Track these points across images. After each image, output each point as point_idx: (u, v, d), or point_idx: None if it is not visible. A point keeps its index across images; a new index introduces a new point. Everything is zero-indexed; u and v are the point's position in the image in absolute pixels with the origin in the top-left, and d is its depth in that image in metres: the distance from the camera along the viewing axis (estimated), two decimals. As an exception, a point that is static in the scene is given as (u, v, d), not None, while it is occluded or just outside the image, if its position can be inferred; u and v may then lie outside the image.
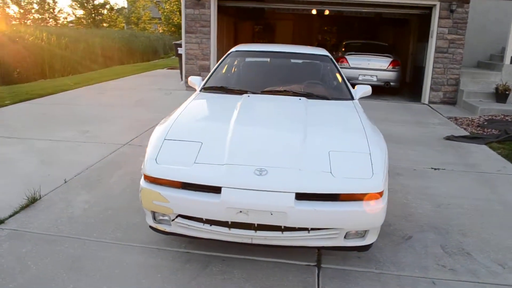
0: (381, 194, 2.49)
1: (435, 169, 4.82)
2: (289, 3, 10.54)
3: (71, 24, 39.31)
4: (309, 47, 5.02)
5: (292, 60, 4.39)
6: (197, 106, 3.53)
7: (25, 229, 3.08)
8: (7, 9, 38.74)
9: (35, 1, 40.73)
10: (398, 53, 10.82)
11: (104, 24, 37.73)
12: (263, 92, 3.77)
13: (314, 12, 12.29)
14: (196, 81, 4.11)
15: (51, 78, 13.18)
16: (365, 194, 2.45)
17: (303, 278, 2.64)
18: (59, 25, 37.45)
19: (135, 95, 8.90)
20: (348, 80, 9.43)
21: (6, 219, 3.21)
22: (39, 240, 2.94)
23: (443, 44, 8.54)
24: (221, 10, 11.31)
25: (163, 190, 2.53)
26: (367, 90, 4.07)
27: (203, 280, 2.59)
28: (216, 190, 2.44)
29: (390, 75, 9.65)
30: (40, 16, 39.95)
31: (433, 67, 8.66)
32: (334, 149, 2.71)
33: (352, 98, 3.82)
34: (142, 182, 2.63)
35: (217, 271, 2.67)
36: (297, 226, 2.45)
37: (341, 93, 3.91)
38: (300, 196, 2.42)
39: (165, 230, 2.66)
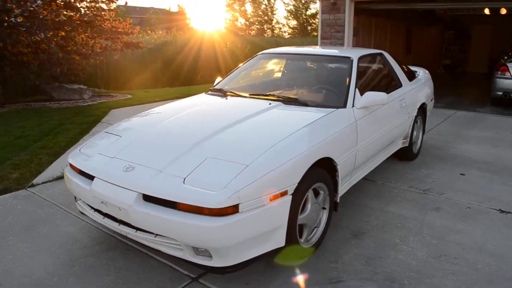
0: (223, 211, 2.16)
1: (503, 211, 3.53)
2: (448, 2, 9.08)
3: (285, 34, 43.46)
4: (340, 48, 4.40)
5: (308, 64, 3.98)
6: (169, 106, 3.69)
7: (39, 193, 3.91)
8: (236, 22, 45.60)
9: (259, 14, 46.61)
10: None
11: (315, 33, 40.17)
12: (251, 96, 3.61)
13: (486, 11, 10.17)
14: (215, 83, 4.23)
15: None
16: (201, 208, 2.18)
17: (163, 284, 2.53)
18: (274, 35, 41.84)
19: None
20: (510, 93, 7.60)
21: (38, 184, 4.13)
22: (34, 203, 3.70)
23: None
24: (378, 14, 10.72)
25: (69, 173, 2.86)
26: (379, 98, 3.36)
27: (91, 259, 2.80)
28: (93, 179, 2.62)
29: None
30: (260, 27, 45.42)
31: None
32: (214, 156, 2.48)
33: (343, 107, 3.24)
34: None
35: (110, 257, 2.83)
36: (138, 226, 2.39)
37: (332, 100, 3.36)
38: (148, 198, 2.36)
39: (78, 209, 2.99)
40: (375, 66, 4.18)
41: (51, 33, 7.37)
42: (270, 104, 3.32)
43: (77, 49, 8.36)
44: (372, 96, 3.35)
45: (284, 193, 2.41)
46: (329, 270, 2.70)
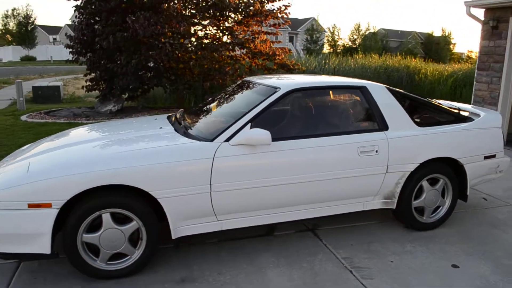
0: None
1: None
2: None
3: None
4: (307, 77, 3.62)
5: (251, 94, 3.59)
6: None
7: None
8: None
9: None
10: None
11: None
12: (179, 120, 3.63)
13: None
14: None
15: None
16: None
17: None
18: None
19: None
20: None
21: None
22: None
23: None
24: None
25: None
26: (256, 137, 2.86)
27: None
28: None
29: None
30: None
31: None
32: (33, 161, 2.83)
33: (210, 140, 2.93)
34: None
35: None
36: None
37: (211, 132, 3.05)
38: None
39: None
40: (335, 102, 3.43)
41: (199, 52, 8.95)
42: (160, 128, 3.37)
43: (219, 67, 9.61)
44: (249, 134, 2.89)
45: (46, 205, 2.55)
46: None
